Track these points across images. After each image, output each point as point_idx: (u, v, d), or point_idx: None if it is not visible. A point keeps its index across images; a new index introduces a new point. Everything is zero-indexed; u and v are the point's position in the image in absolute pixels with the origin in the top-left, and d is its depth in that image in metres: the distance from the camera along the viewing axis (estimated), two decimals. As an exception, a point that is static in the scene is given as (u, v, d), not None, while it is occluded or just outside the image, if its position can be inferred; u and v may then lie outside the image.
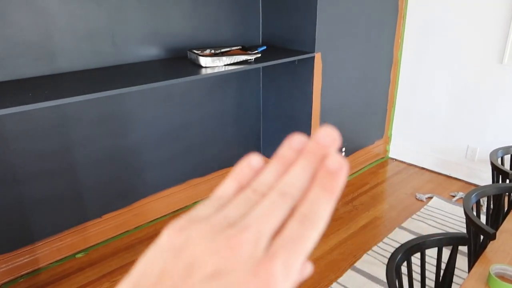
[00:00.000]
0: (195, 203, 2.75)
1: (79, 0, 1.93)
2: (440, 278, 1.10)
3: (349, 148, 3.11)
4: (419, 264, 1.12)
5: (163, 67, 2.17)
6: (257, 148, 3.08)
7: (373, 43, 2.97)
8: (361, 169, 3.28)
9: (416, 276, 1.79)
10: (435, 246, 1.07)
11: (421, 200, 2.80)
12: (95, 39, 2.04)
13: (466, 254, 1.50)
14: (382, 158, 3.49)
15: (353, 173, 3.20)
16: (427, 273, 1.32)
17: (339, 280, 2.05)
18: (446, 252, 1.17)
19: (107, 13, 2.04)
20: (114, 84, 1.76)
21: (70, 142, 2.09)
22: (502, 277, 1.01)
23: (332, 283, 2.03)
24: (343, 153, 3.05)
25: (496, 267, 1.00)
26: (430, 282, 1.91)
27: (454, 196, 2.85)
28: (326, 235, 2.40)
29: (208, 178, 2.81)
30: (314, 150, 0.23)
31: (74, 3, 1.92)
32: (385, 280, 2.04)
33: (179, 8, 2.31)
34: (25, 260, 2.08)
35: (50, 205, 2.10)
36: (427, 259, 1.31)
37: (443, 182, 3.06)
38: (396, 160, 3.46)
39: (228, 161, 2.91)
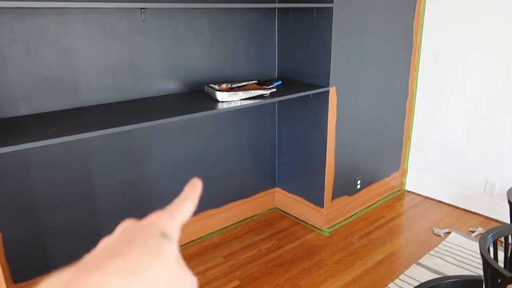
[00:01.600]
0: (208, 234, 2.76)
1: (103, 38, 2.03)
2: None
3: (365, 180, 3.09)
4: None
5: (181, 101, 2.23)
6: (272, 181, 3.09)
7: (388, 77, 3.00)
8: (376, 202, 3.24)
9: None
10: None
11: (439, 235, 2.74)
12: (117, 74, 2.12)
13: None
14: (399, 190, 3.46)
15: (368, 206, 3.17)
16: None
17: (354, 318, 2.01)
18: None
19: (129, 49, 2.13)
20: (133, 118, 1.82)
21: (89, 173, 2.15)
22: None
23: (347, 321, 1.99)
24: (358, 186, 3.04)
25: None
26: None
27: (473, 232, 2.79)
28: (340, 270, 2.37)
29: (222, 210, 2.82)
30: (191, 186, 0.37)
31: (98, 40, 2.02)
32: (401, 319, 1.98)
33: (197, 44, 2.40)
34: (41, 290, 2.10)
35: (68, 234, 2.14)
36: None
37: (461, 216, 3.00)
38: (412, 193, 3.42)
39: (243, 193, 2.92)
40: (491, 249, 1.30)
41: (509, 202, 1.75)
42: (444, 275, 1.47)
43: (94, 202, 2.20)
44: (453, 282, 1.07)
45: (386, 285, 2.25)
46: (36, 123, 1.76)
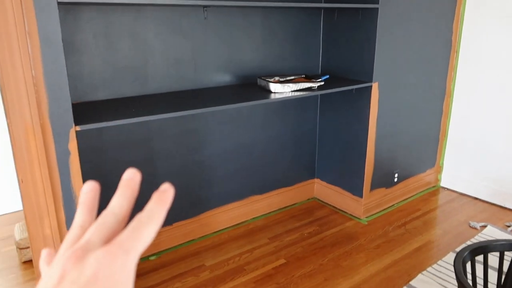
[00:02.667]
0: (253, 219, 2.94)
1: (170, 33, 2.25)
2: (502, 280, 1.21)
3: (401, 175, 3.21)
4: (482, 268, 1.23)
5: (236, 91, 2.43)
6: (311, 172, 3.26)
7: (427, 75, 3.12)
8: (412, 195, 3.35)
9: (479, 280, 1.86)
10: (497, 251, 1.20)
11: (475, 228, 2.84)
12: (181, 66, 2.34)
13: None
14: (434, 186, 3.55)
15: (405, 199, 3.29)
16: (489, 277, 1.42)
17: (395, 295, 2.14)
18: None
19: (192, 44, 2.35)
20: (194, 105, 2.02)
21: (152, 155, 2.37)
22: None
23: (388, 298, 2.13)
24: (396, 179, 3.16)
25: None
26: (491, 286, 1.97)
27: (509, 226, 2.87)
28: (380, 254, 2.51)
29: (265, 196, 3.00)
30: (125, 183, 0.32)
31: (166, 35, 2.24)
32: (440, 298, 2.11)
33: (251, 41, 2.59)
34: (108, 258, 2.33)
35: (132, 210, 2.36)
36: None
37: (497, 212, 3.08)
38: (447, 189, 3.51)
39: (285, 182, 3.09)
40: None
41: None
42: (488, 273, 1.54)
43: (155, 181, 2.42)
44: (501, 244, 1.21)
45: (424, 269, 2.37)
46: (115, 106, 1.99)
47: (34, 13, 1.44)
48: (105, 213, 0.30)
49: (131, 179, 0.32)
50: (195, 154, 2.55)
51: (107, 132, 2.17)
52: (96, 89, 2.09)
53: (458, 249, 2.57)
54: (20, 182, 1.53)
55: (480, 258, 1.86)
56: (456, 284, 1.10)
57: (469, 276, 1.29)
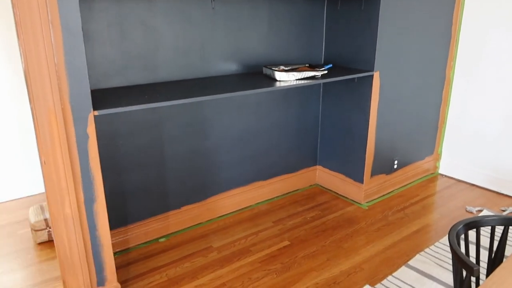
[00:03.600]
0: (257, 203, 3.05)
1: (180, 22, 2.33)
2: (493, 252, 1.31)
3: (401, 162, 3.31)
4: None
5: (242, 79, 2.51)
6: (314, 159, 3.35)
7: (427, 65, 3.21)
8: (411, 182, 3.46)
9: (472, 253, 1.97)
10: (489, 225, 1.29)
11: (471, 212, 2.95)
12: (189, 55, 2.42)
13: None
14: (432, 173, 3.66)
15: (404, 186, 3.39)
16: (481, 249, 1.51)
17: (394, 274, 2.25)
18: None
19: (200, 33, 2.43)
20: (201, 93, 2.10)
21: (161, 141, 2.46)
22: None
23: (387, 276, 2.24)
24: (395, 166, 3.26)
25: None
26: (483, 257, 2.08)
27: (504, 211, 2.98)
28: (380, 237, 2.62)
29: (269, 182, 3.10)
30: None
31: (176, 24, 2.32)
32: (438, 277, 2.22)
33: (257, 31, 2.67)
34: (120, 239, 2.44)
35: (142, 193, 2.47)
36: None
37: (493, 198, 3.19)
38: (445, 176, 3.61)
39: (288, 168, 3.19)
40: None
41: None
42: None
43: (163, 166, 2.51)
44: (493, 219, 1.31)
45: (422, 250, 2.48)
46: (127, 93, 2.08)
47: (57, 2, 1.52)
48: None
49: None
50: (202, 140, 2.64)
51: (120, 118, 2.26)
52: (109, 76, 2.18)
53: (454, 232, 2.68)
54: (43, 163, 1.62)
55: (473, 237, 1.93)
56: (452, 268, 1.19)
57: (463, 249, 1.39)
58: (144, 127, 2.37)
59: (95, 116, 1.77)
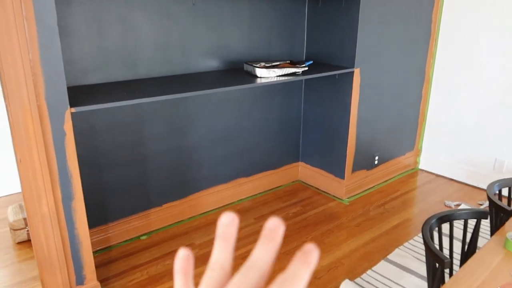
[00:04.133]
0: (240, 200, 3.05)
1: (159, 18, 2.31)
2: (466, 245, 1.34)
3: (381, 157, 3.36)
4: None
5: (223, 76, 2.51)
6: (296, 156, 3.38)
7: (407, 62, 3.25)
8: (392, 177, 3.51)
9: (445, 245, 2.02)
10: (462, 218, 1.33)
11: (450, 207, 3.01)
12: (169, 51, 2.41)
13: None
14: (412, 169, 3.72)
15: (384, 181, 3.44)
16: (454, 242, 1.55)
17: (374, 268, 2.29)
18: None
19: (180, 30, 2.41)
20: (182, 89, 2.10)
21: (142, 138, 2.44)
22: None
23: (367, 270, 2.27)
24: (376, 162, 3.31)
25: (512, 236, 1.25)
26: (457, 250, 2.13)
27: (481, 205, 3.05)
28: (360, 232, 2.65)
29: (252, 179, 3.11)
30: (268, 235, 0.29)
31: (155, 20, 2.30)
32: (416, 270, 2.27)
33: (238, 27, 2.67)
34: (100, 238, 2.42)
35: (123, 191, 2.45)
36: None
37: (471, 192, 3.26)
38: (425, 171, 3.68)
39: (270, 165, 3.21)
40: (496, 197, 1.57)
41: (488, 197, 1.59)
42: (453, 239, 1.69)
43: (145, 164, 2.50)
44: (465, 212, 1.34)
45: (401, 244, 2.52)
46: (106, 89, 2.06)
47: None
48: (248, 264, 0.28)
49: (274, 230, 0.29)
50: (184, 137, 2.63)
51: (99, 115, 2.24)
52: (87, 73, 2.15)
53: (433, 226, 2.73)
54: (19, 162, 1.60)
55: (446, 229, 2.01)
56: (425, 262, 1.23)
57: (436, 242, 1.42)
58: (125, 124, 2.35)
59: (72, 113, 1.75)
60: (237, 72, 2.62)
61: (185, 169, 2.70)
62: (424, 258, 2.37)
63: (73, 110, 1.67)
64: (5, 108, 1.57)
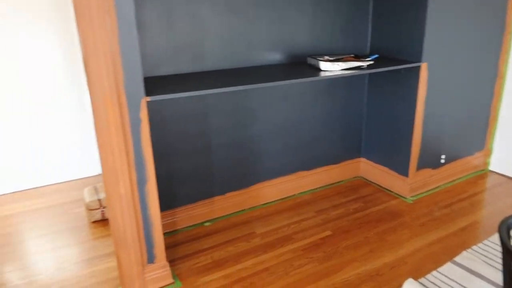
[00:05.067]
0: (300, 193, 3.07)
1: (225, 13, 2.38)
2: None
3: (449, 156, 3.21)
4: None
5: (287, 69, 2.53)
6: (357, 151, 3.32)
7: (478, 56, 3.07)
8: (459, 178, 3.35)
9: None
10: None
11: (524, 211, 2.82)
12: (234, 44, 2.47)
13: None
14: (482, 170, 3.52)
15: (451, 181, 3.29)
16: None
17: (439, 269, 2.21)
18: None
19: (244, 23, 2.47)
20: (246, 81, 2.13)
21: (208, 128, 2.54)
22: None
23: (431, 271, 2.19)
24: (442, 160, 3.17)
25: None
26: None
27: (561, 210, 2.82)
28: (424, 231, 2.56)
29: (313, 172, 3.11)
30: None
31: (222, 15, 2.37)
32: (486, 275, 2.15)
33: (301, 21, 2.68)
34: (167, 221, 2.55)
35: (189, 178, 2.56)
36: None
37: (549, 196, 3.03)
38: (496, 173, 3.46)
39: (331, 159, 3.19)
40: None
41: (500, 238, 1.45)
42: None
43: (209, 153, 2.59)
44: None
45: (469, 247, 2.41)
46: (175, 81, 2.16)
47: (114, -7, 1.60)
48: None
49: None
50: (247, 129, 2.69)
51: (167, 105, 2.36)
52: (158, 65, 2.27)
53: (505, 230, 2.57)
54: (100, 146, 1.73)
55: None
56: (501, 263, 1.16)
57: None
58: (190, 115, 2.46)
59: (147, 102, 1.86)
60: (300, 65, 2.63)
61: (248, 160, 2.77)
62: (496, 264, 2.24)
63: (148, 99, 1.78)
64: (86, 95, 1.70)
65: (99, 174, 3.48)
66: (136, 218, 1.87)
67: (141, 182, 1.85)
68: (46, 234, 2.61)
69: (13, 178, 3.20)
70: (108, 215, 1.83)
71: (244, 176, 2.78)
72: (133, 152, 1.80)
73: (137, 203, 1.87)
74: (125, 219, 1.84)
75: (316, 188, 3.16)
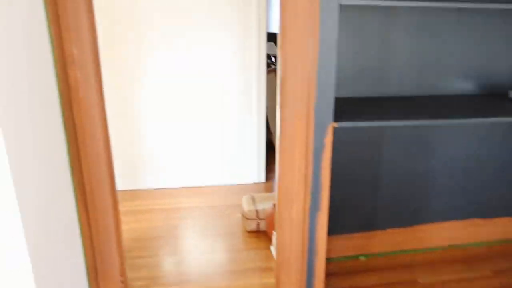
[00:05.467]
0: (472, 244, 2.66)
1: (417, 36, 2.17)
2: None
3: None
4: None
5: (480, 102, 2.20)
6: (552, 204, 2.74)
7: None
8: None
9: None
10: None
11: None
12: (422, 69, 2.24)
13: None
14: None
15: None
16: None
17: None
18: None
19: (437, 47, 2.22)
20: (431, 114, 1.89)
21: (378, 156, 2.36)
22: None
23: None
24: None
25: None
26: None
27: None
28: None
29: (490, 222, 2.67)
30: None
31: (413, 37, 2.17)
32: None
33: (507, 47, 2.30)
34: (322, 247, 2.46)
35: (350, 206, 2.42)
36: None
37: None
38: None
39: (516, 210, 2.69)
40: None
41: None
42: None
43: (376, 183, 2.41)
44: None
45: None
46: (356, 105, 2.04)
47: (319, 18, 1.56)
48: None
49: None
50: (421, 162, 2.43)
51: (339, 129, 2.26)
52: (338, 86, 2.19)
53: None
54: (280, 166, 1.71)
55: None
56: None
57: None
58: (363, 141, 2.31)
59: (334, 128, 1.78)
60: (497, 99, 2.26)
61: (414, 196, 2.50)
62: None
63: (336, 124, 1.70)
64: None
65: (254, 183, 3.58)
66: (302, 245, 1.82)
67: (314, 209, 1.79)
68: (204, 234, 2.75)
69: (183, 175, 3.50)
70: (276, 235, 1.81)
71: (409, 212, 2.52)
72: (312, 177, 1.74)
73: (306, 229, 1.81)
74: (292, 245, 1.80)
75: (492, 241, 2.70)
